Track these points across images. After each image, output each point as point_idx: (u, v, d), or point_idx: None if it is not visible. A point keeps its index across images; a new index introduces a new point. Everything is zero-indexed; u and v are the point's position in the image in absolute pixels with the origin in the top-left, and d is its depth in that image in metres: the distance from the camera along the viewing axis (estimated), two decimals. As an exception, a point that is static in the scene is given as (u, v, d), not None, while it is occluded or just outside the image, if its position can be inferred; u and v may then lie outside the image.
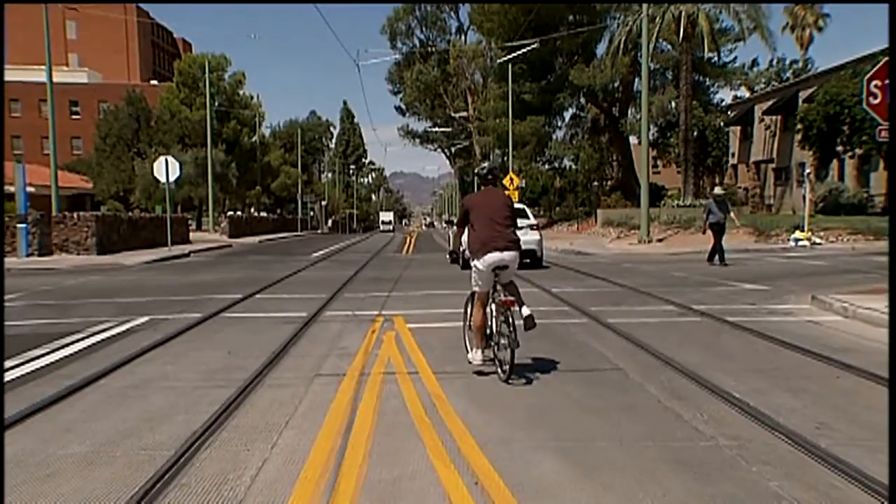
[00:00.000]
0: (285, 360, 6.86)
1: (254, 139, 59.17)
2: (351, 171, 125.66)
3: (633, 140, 45.66)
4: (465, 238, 6.36)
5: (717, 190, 18.77)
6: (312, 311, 9.93)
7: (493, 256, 6.02)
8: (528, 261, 16.52)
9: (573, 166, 52.03)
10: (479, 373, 6.16)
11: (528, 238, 15.10)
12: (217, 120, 50.96)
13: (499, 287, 6.12)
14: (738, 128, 44.64)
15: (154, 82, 71.84)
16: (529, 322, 5.97)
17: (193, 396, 5.59)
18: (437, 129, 74.99)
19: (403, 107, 75.88)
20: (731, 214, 18.42)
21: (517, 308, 5.96)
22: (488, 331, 6.16)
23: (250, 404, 5.35)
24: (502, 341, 5.91)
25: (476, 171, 7.12)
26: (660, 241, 27.22)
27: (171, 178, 25.45)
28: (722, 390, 5.50)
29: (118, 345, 7.74)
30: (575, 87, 43.12)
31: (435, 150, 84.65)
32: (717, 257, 17.20)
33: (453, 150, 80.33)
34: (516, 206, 7.87)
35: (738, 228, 23.45)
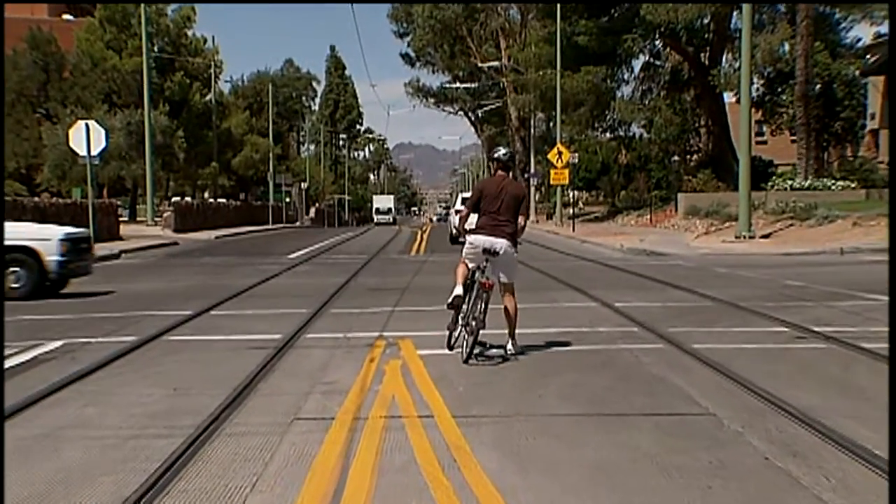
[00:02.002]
0: (251, 400, 6.89)
1: (208, 98, 59.70)
2: (341, 143, 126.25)
3: (728, 98, 45.44)
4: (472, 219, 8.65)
5: None
6: (289, 333, 9.96)
7: (485, 240, 8.32)
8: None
9: (645, 135, 51.90)
10: (518, 414, 6.18)
11: None
12: (157, 71, 51.40)
13: (487, 271, 8.33)
14: (881, 79, 44.01)
15: (68, 17, 71.17)
16: (510, 353, 8.54)
17: (124, 450, 5.63)
18: (457, 84, 75.14)
19: (412, 54, 76.21)
20: None
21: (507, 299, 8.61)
22: (465, 308, 8.38)
23: (203, 460, 5.38)
24: (472, 323, 8.17)
25: (494, 155, 8.65)
26: (766, 236, 27.07)
27: (95, 151, 25.75)
28: (855, 444, 5.45)
29: (19, 379, 7.80)
30: (648, 24, 42.91)
31: (455, 113, 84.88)
32: None
33: (480, 113, 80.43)
34: None
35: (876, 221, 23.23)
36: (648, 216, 43.58)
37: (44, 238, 14.71)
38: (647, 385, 7.29)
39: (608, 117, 51.12)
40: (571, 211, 45.77)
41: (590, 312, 11.84)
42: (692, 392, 6.99)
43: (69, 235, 15.05)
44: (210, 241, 37.70)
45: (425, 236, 42.49)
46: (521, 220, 8.57)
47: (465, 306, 8.43)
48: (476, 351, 8.43)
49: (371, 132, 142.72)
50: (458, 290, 8.43)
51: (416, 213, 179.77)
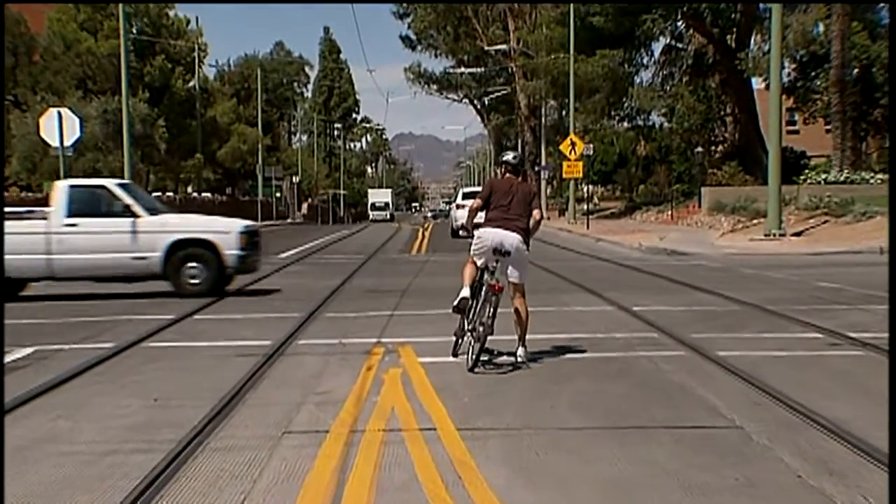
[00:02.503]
0: (239, 412, 6.90)
1: (191, 84, 59.70)
2: (336, 133, 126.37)
3: (757, 84, 45.35)
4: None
5: None
6: (280, 339, 9.99)
7: (495, 234, 8.47)
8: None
9: (665, 124, 51.89)
10: (526, 427, 6.18)
11: None
12: (136, 55, 51.46)
13: (496, 272, 8.51)
14: (925, 62, 44.11)
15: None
16: (521, 360, 8.59)
17: (100, 467, 5.63)
18: (462, 69, 75.11)
19: (413, 37, 76.22)
20: None
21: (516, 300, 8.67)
22: (471, 314, 8.53)
23: (186, 477, 5.39)
24: (479, 329, 8.29)
25: (504, 158, 9.34)
26: (797, 234, 27.06)
27: (68, 142, 25.76)
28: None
29: (-8, 387, 7.81)
30: (670, 4, 42.92)
31: (460, 100, 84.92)
32: None
33: (486, 100, 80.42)
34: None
35: None
36: (669, 212, 43.60)
37: (222, 231, 15.16)
38: (667, 395, 7.29)
39: (625, 105, 51.14)
40: (586, 207, 45.73)
41: (605, 317, 11.84)
42: (717, 403, 6.98)
43: (247, 228, 15.54)
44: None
45: (427, 234, 42.52)
46: (535, 213, 8.79)
47: (472, 310, 8.54)
48: (484, 358, 8.47)
49: (368, 121, 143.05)
50: (465, 292, 8.50)
51: (418, 208, 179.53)
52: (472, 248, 8.72)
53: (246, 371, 8.22)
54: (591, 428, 6.32)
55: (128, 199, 15.08)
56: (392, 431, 6.26)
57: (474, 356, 8.30)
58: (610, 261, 22.25)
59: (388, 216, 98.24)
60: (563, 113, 53.70)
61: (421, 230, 48.29)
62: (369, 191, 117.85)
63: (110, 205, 14.98)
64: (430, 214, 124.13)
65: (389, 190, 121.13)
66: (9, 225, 13.88)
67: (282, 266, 21.52)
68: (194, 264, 14.88)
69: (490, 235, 8.51)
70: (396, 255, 27.28)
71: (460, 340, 8.82)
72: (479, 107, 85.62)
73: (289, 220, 74.13)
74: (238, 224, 15.58)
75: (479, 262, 8.63)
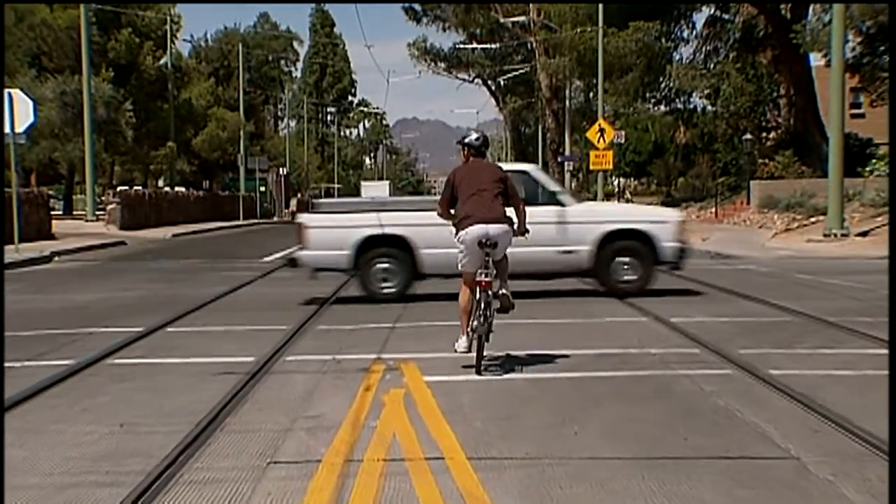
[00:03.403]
0: (217, 439, 6.92)
1: (163, 62, 59.80)
2: (329, 118, 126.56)
3: (815, 61, 45.26)
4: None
5: None
6: (264, 355, 10.01)
7: (477, 229, 9.01)
8: None
9: (709, 107, 51.91)
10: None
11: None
12: (99, 27, 51.42)
13: (489, 267, 9.03)
14: None
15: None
16: (505, 302, 9.27)
17: (58, 502, 5.66)
18: (474, 45, 75.08)
19: (418, 8, 76.14)
20: None
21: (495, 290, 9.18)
22: (469, 321, 9.13)
23: (157, 513, 5.40)
24: (474, 323, 9.00)
25: (465, 140, 9.69)
26: (862, 234, 26.98)
27: (20, 128, 25.81)
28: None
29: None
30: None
31: (471, 81, 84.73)
32: None
33: (502, 81, 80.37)
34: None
35: None
36: (713, 209, 43.63)
37: (659, 220, 15.53)
38: (711, 421, 7.28)
39: (663, 85, 51.14)
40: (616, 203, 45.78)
41: (639, 329, 11.84)
42: (769, 430, 6.97)
43: (681, 217, 16.09)
44: (166, 240, 37.82)
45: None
46: (517, 210, 9.48)
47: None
48: (505, 376, 8.63)
49: (366, 105, 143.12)
50: (462, 346, 9.18)
51: None
52: (459, 259, 9.27)
53: (226, 392, 8.23)
54: (623, 458, 6.31)
55: (553, 186, 15.54)
56: (394, 461, 6.26)
57: (477, 357, 9.07)
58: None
59: None
60: (591, 95, 53.75)
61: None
62: (362, 184, 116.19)
63: (535, 192, 15.09)
64: None
65: (387, 182, 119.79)
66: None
67: (267, 271, 21.54)
68: (627, 259, 15.25)
69: (472, 232, 9.04)
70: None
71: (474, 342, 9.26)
72: (493, 88, 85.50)
73: (275, 219, 74.14)
74: (673, 213, 16.07)
75: (471, 269, 9.16)
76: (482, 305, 8.93)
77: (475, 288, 9.10)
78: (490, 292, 9.02)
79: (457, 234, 9.23)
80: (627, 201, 56.19)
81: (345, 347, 10.63)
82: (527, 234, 9.60)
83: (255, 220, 63.21)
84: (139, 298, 16.39)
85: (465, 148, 9.56)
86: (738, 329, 11.72)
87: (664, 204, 52.76)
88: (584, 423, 7.20)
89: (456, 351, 9.15)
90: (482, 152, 9.57)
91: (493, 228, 9.01)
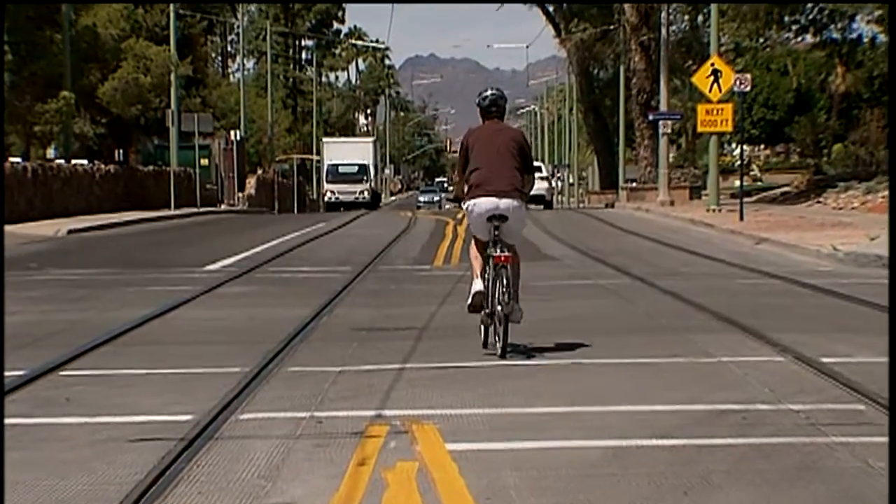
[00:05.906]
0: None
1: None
2: (305, 56, 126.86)
3: None
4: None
5: None
6: (207, 411, 9.99)
7: (487, 202, 11.46)
8: (541, 207, 28.22)
9: (881, 37, 51.68)
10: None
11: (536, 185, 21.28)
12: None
13: (499, 242, 11.53)
14: None
15: None
16: (515, 318, 11.67)
17: None
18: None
19: None
20: None
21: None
22: (488, 298, 11.75)
23: None
24: (498, 310, 11.49)
25: (481, 97, 11.57)
26: None
27: None
28: None
29: None
30: None
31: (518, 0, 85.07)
32: None
33: (564, 2, 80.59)
34: None
35: None
36: (880, 195, 43.45)
37: None
38: (883, 514, 7.21)
39: (809, 5, 51.00)
40: (738, 183, 45.39)
41: (772, 374, 11.81)
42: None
43: None
44: (58, 238, 37.99)
45: (461, 231, 42.49)
46: (523, 182, 11.78)
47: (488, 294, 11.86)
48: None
49: (361, 37, 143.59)
50: (478, 286, 11.82)
51: (445, 186, 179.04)
52: (470, 225, 12.27)
53: (149, 468, 8.15)
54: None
55: None
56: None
57: (501, 342, 11.67)
58: (779, 277, 22.27)
59: (362, 195, 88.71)
60: (700, 19, 53.72)
61: (452, 224, 48.37)
62: (324, 142, 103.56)
63: None
64: (423, 199, 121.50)
65: (369, 141, 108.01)
66: None
67: (213, 286, 21.57)
68: None
69: (482, 205, 11.61)
70: (409, 266, 27.33)
71: (490, 329, 12.03)
72: (551, 10, 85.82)
73: (224, 206, 74.41)
74: None
75: (483, 238, 11.88)
76: (500, 286, 11.18)
77: (487, 257, 11.35)
78: (508, 268, 11.53)
79: (465, 201, 11.33)
80: (754, 180, 55.92)
81: (328, 400, 10.59)
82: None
83: (195, 209, 62.93)
84: (18, 326, 16.31)
85: (481, 107, 11.35)
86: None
87: (812, 184, 52.51)
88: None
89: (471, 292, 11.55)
90: (497, 114, 11.41)
91: (504, 202, 11.16)
